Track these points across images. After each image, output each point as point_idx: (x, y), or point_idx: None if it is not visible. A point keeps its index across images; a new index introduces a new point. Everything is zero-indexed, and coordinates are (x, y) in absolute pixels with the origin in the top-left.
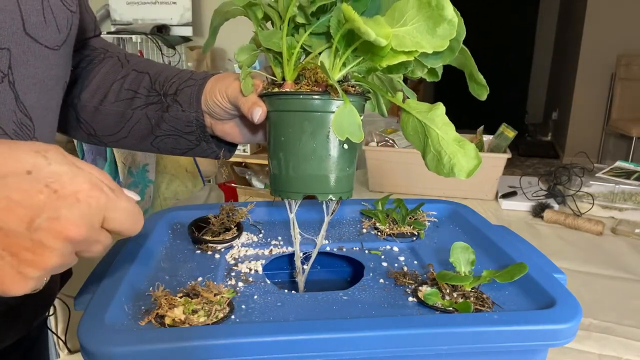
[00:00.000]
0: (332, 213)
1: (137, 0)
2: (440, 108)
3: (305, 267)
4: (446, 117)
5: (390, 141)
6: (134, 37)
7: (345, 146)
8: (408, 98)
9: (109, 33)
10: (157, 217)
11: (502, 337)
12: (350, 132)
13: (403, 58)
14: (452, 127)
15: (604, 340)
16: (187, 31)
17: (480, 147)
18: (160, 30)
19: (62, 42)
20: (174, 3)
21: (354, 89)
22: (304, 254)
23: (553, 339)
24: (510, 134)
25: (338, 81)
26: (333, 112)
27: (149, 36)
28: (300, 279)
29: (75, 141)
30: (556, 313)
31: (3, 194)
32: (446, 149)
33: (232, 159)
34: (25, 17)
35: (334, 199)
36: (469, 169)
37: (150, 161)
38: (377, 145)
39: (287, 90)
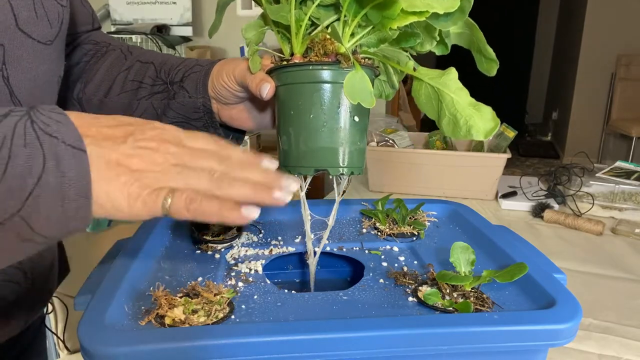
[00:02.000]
0: (343, 193)
1: (137, 0)
2: (453, 72)
3: (316, 249)
4: (459, 82)
5: (390, 141)
6: (134, 37)
7: (356, 118)
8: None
9: (108, 33)
10: (157, 217)
11: (502, 337)
12: (362, 97)
13: (414, 19)
14: (466, 91)
15: (604, 340)
16: (187, 31)
17: (480, 147)
18: (160, 30)
19: (55, 36)
20: (174, 3)
21: (364, 60)
22: (314, 235)
23: (553, 339)
24: (510, 134)
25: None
26: (343, 82)
27: (149, 36)
28: (312, 262)
29: None
30: (556, 313)
31: (129, 150)
32: (462, 112)
33: None
34: (17, 12)
35: (345, 173)
36: (487, 130)
37: None
38: (377, 145)
39: (296, 62)
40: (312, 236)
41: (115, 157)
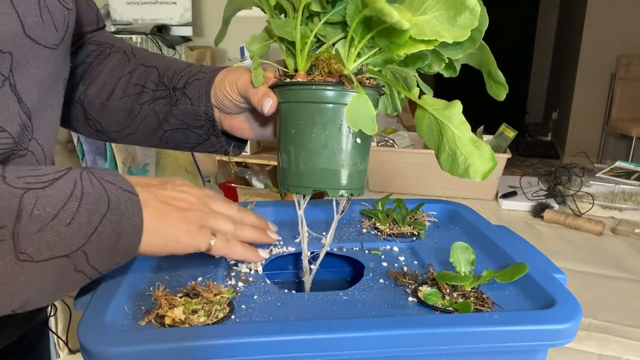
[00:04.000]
0: (342, 212)
1: (137, 0)
2: (458, 106)
3: (312, 266)
4: (463, 116)
5: (390, 141)
6: (134, 37)
7: (358, 140)
8: (424, 94)
9: None
10: None
11: (502, 337)
12: (364, 124)
13: (422, 47)
14: (468, 126)
15: (604, 340)
16: (187, 31)
17: None
18: (160, 30)
19: (60, 40)
20: (174, 3)
21: (369, 81)
22: (311, 253)
23: (553, 339)
24: (510, 134)
25: (353, 74)
26: (346, 104)
27: (149, 36)
28: (307, 279)
29: (75, 141)
30: (556, 313)
31: (171, 192)
32: (462, 149)
33: (232, 159)
34: (23, 19)
35: (344, 195)
36: (485, 171)
37: (151, 161)
38: (377, 145)
39: (299, 80)
40: (309, 253)
41: (163, 199)
